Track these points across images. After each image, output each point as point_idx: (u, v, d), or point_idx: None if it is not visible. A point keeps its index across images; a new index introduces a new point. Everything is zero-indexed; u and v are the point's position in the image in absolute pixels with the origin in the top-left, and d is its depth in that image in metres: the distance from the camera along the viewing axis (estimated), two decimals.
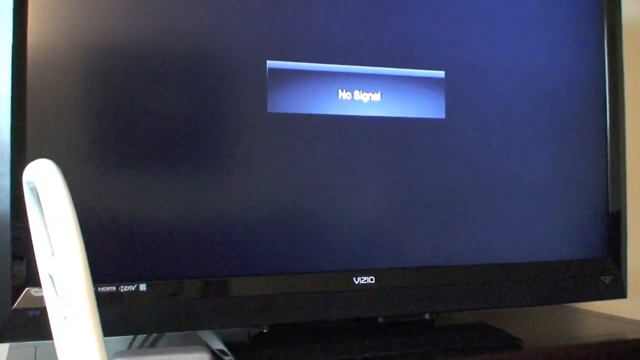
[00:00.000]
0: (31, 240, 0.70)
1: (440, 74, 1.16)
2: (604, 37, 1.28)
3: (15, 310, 0.92)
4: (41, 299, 0.73)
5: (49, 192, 0.58)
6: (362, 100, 1.11)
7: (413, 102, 1.14)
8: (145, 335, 1.14)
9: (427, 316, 1.21)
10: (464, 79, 1.18)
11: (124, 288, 0.97)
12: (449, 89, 1.16)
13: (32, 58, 0.94)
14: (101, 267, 0.96)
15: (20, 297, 0.92)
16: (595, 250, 1.26)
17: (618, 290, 1.26)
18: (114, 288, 0.96)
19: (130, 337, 1.13)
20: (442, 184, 1.16)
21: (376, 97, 1.12)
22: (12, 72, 0.93)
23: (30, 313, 0.91)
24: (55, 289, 0.67)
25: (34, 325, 0.91)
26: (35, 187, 0.63)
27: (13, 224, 0.92)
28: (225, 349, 1.05)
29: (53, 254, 0.61)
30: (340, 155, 1.10)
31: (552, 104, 1.24)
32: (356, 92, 1.11)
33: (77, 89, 0.98)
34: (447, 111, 1.16)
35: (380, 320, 1.18)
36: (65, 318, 0.61)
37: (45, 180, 0.59)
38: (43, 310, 0.73)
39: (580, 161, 1.26)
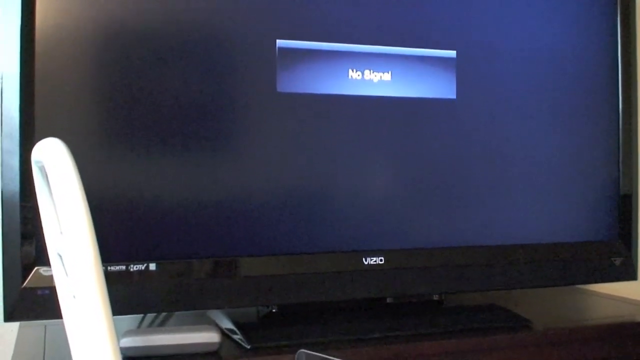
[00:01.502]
0: (40, 220, 0.70)
1: (452, 53, 1.15)
2: (617, 15, 1.26)
3: (25, 289, 0.92)
4: (50, 278, 0.73)
5: (57, 171, 0.58)
6: (373, 80, 1.10)
7: (424, 82, 1.13)
8: (155, 314, 1.15)
9: (435, 297, 1.21)
10: (476, 59, 1.17)
11: (134, 267, 0.97)
12: (460, 69, 1.15)
13: (40, 37, 0.94)
14: (111, 247, 0.96)
15: (30, 276, 0.92)
16: (606, 232, 1.25)
17: (628, 272, 1.26)
18: (123, 267, 0.97)
19: (140, 316, 1.14)
20: (452, 165, 1.15)
21: (387, 77, 1.11)
22: (21, 52, 0.93)
23: (40, 292, 0.92)
24: (64, 268, 0.67)
25: (44, 304, 0.92)
26: (43, 167, 0.63)
27: (22, 203, 0.92)
28: (234, 328, 1.05)
29: (62, 233, 0.61)
30: (350, 136, 1.09)
31: (564, 84, 1.23)
32: (366, 72, 1.10)
33: (86, 68, 0.97)
34: (458, 91, 1.15)
35: (389, 300, 1.18)
36: (74, 297, 0.61)
37: (53, 159, 0.59)
38: (52, 290, 0.73)
39: (591, 142, 1.25)
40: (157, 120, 0.99)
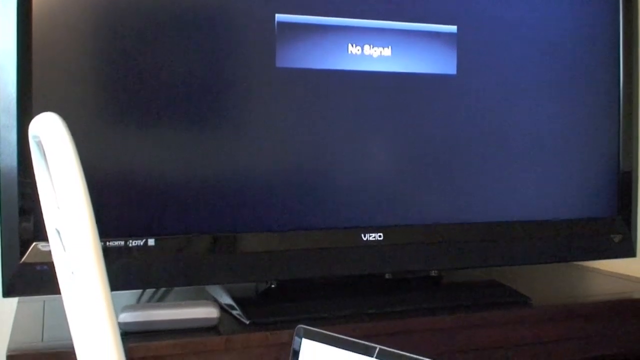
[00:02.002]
0: (38, 195, 0.69)
1: (453, 28, 1.14)
2: None
3: (23, 264, 0.92)
4: (49, 253, 0.73)
5: (54, 146, 0.58)
6: (372, 55, 1.09)
7: (424, 57, 1.12)
8: (154, 289, 1.15)
9: (434, 273, 1.21)
10: (476, 34, 1.16)
11: (133, 243, 0.97)
12: (461, 44, 1.14)
13: (37, 10, 0.93)
14: (110, 222, 0.96)
15: (28, 252, 0.92)
16: (606, 209, 1.25)
17: (628, 249, 1.26)
18: (122, 243, 0.96)
19: (139, 291, 1.14)
20: (452, 141, 1.15)
21: (387, 52, 1.10)
22: (18, 25, 0.92)
23: (38, 267, 0.92)
24: (62, 243, 0.67)
25: (42, 279, 0.91)
26: (40, 141, 0.62)
27: (20, 178, 0.91)
28: (233, 303, 1.05)
29: (59, 208, 0.61)
30: (349, 112, 1.09)
31: (565, 61, 1.22)
32: (366, 47, 1.09)
33: (84, 42, 0.97)
34: (459, 67, 1.14)
35: (387, 276, 1.18)
36: (72, 272, 0.61)
37: (50, 133, 0.59)
38: (51, 265, 0.73)
39: (592, 119, 1.24)
40: (156, 95, 0.99)
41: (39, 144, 0.65)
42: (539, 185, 1.20)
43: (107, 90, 0.97)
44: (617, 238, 1.24)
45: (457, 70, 1.14)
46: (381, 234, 1.09)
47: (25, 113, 0.91)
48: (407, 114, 1.12)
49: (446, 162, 1.14)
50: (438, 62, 1.13)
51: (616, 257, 1.26)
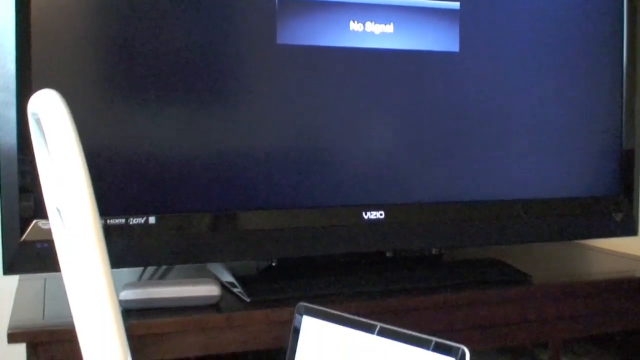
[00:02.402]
0: (38, 173, 0.69)
1: (455, 5, 1.13)
2: None
3: (24, 242, 0.92)
4: (49, 231, 0.73)
5: (53, 123, 0.57)
6: (374, 32, 1.08)
7: (426, 34, 1.11)
8: (155, 267, 1.15)
9: (434, 251, 1.21)
10: (479, 11, 1.14)
11: (134, 221, 0.97)
12: (464, 21, 1.13)
13: None
14: (111, 200, 0.96)
15: (29, 230, 0.92)
16: (608, 188, 1.25)
17: (629, 227, 1.25)
18: (123, 221, 0.96)
19: (140, 269, 1.14)
20: (454, 119, 1.14)
21: (389, 28, 1.09)
22: (16, 2, 0.91)
23: (39, 245, 0.92)
24: (62, 221, 0.67)
25: (43, 257, 0.91)
26: (39, 118, 0.62)
27: (20, 156, 0.91)
28: (234, 281, 1.06)
29: (58, 186, 0.60)
30: (350, 89, 1.08)
31: (567, 38, 1.21)
32: (368, 24, 1.08)
33: (84, 19, 0.96)
34: (461, 44, 1.13)
35: (388, 255, 1.18)
36: (72, 250, 0.61)
37: (48, 110, 0.58)
38: (51, 243, 0.73)
39: (595, 97, 1.23)
40: (156, 72, 0.98)
41: (38, 121, 0.64)
42: (541, 164, 1.20)
43: (107, 66, 0.97)
44: (618, 217, 1.24)
45: (460, 48, 1.13)
46: (382, 212, 1.09)
47: (24, 90, 0.91)
48: (408, 91, 1.11)
49: (448, 140, 1.14)
50: (441, 39, 1.12)
51: (618, 235, 1.26)
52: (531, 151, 1.19)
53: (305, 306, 0.90)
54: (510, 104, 1.17)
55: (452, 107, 1.14)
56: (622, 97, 1.25)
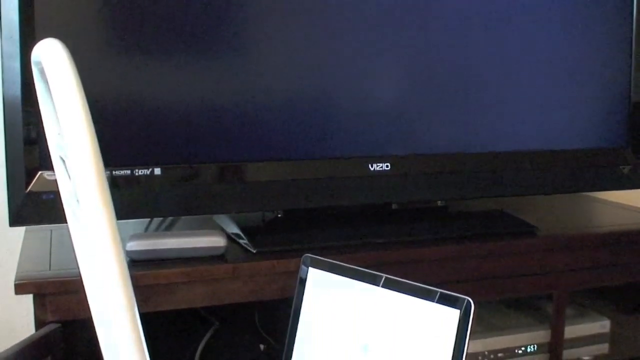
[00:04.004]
0: (43, 123, 0.69)
1: None
2: None
3: (30, 193, 0.92)
4: (55, 182, 0.73)
5: (56, 72, 0.57)
6: None
7: None
8: (161, 219, 1.15)
9: (440, 203, 1.21)
10: None
11: (139, 172, 0.97)
12: None
13: None
14: (116, 151, 0.96)
15: (34, 181, 0.92)
16: (615, 140, 1.24)
17: (636, 180, 1.25)
18: (128, 172, 0.96)
19: (147, 220, 1.14)
20: (461, 69, 1.13)
21: None
22: None
23: (44, 196, 0.92)
24: (67, 172, 0.67)
25: (48, 208, 0.92)
26: (43, 68, 0.61)
27: (25, 107, 0.90)
28: (240, 232, 1.06)
29: (62, 136, 0.60)
30: (355, 36, 1.06)
31: None
32: None
33: None
34: None
35: (394, 206, 1.18)
36: (77, 201, 0.61)
37: (51, 59, 0.57)
38: (57, 194, 0.73)
39: (603, 48, 1.22)
40: (160, 21, 0.97)
41: (41, 71, 0.64)
42: (548, 115, 1.19)
43: (111, 16, 0.95)
44: (626, 169, 1.24)
45: None
46: (388, 164, 1.08)
47: (28, 40, 0.90)
48: (414, 39, 1.10)
49: (454, 90, 1.13)
50: None
51: (625, 188, 1.25)
52: (538, 102, 1.18)
53: (311, 257, 0.91)
54: (518, 54, 1.16)
55: (459, 57, 1.12)
56: (631, 48, 1.23)
